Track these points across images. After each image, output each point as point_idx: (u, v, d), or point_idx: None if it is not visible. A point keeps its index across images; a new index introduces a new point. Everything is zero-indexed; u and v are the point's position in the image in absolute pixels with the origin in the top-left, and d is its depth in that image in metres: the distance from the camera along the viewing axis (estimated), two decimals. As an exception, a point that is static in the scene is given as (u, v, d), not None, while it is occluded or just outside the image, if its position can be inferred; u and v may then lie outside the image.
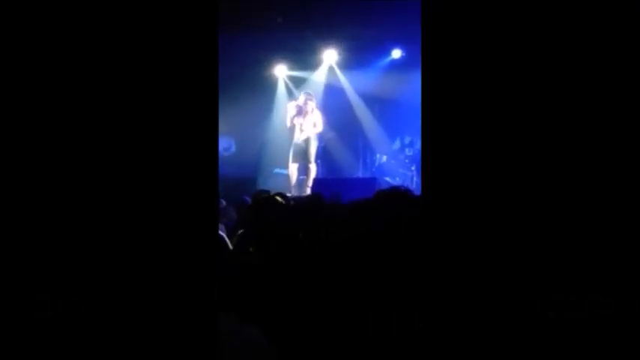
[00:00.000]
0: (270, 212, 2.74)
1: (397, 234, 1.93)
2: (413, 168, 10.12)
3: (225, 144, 10.98)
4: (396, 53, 10.77)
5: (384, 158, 10.73)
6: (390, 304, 1.74)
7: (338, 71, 10.99)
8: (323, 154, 10.67)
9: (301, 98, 9.23)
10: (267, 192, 4.59)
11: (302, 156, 8.97)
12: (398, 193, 2.10)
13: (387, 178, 10.09)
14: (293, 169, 9.26)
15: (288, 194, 4.70)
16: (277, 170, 10.58)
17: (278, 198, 3.16)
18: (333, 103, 11.02)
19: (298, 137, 9.00)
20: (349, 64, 10.87)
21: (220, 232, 3.25)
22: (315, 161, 9.37)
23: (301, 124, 8.95)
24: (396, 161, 10.60)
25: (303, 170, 9.07)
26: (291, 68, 11.18)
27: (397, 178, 10.27)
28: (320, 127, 9.07)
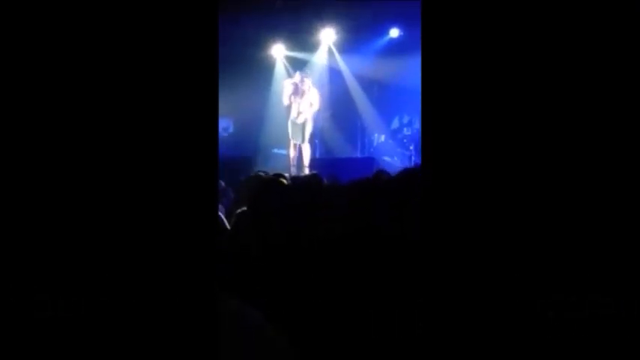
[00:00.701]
0: (271, 196, 2.67)
1: (399, 221, 1.94)
2: (411, 147, 10.10)
3: (224, 124, 10.96)
4: (394, 32, 10.71)
5: (382, 138, 10.71)
6: (390, 298, 1.74)
7: (336, 52, 10.92)
8: (321, 134, 10.65)
9: (297, 76, 9.18)
10: (265, 172, 4.53)
11: (299, 136, 8.94)
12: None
13: (386, 158, 10.05)
14: (292, 149, 9.25)
15: (286, 174, 4.65)
16: (276, 150, 10.58)
17: (281, 179, 3.11)
18: (332, 83, 10.98)
19: (295, 117, 8.94)
20: (347, 43, 10.81)
21: (219, 213, 3.21)
22: (311, 141, 9.29)
23: (299, 104, 8.89)
24: (394, 141, 10.62)
25: (300, 150, 9.05)
26: (288, 49, 11.11)
27: (395, 158, 10.26)
28: (317, 106, 9.08)
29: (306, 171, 8.56)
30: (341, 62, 11.10)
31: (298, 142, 9.08)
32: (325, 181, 4.40)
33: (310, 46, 11.17)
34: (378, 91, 10.98)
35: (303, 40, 11.08)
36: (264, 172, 4.77)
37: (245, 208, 3.43)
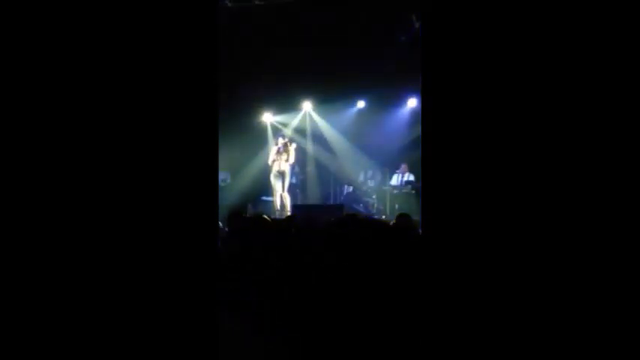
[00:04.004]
0: (255, 228, 2.81)
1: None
2: (374, 196, 10.45)
3: (223, 176, 11.27)
4: (361, 104, 11.14)
5: (351, 188, 11.02)
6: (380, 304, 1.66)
7: (314, 118, 11.53)
8: (302, 185, 11.04)
9: (281, 141, 9.67)
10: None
11: (280, 186, 9.45)
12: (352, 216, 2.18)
13: (353, 205, 10.32)
14: (276, 197, 9.68)
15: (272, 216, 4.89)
16: (264, 198, 10.88)
17: (264, 217, 3.24)
18: (310, 144, 11.50)
19: (277, 171, 9.42)
20: (323, 112, 11.41)
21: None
22: (291, 191, 10.21)
23: (280, 162, 9.47)
24: (360, 191, 10.88)
25: (282, 197, 9.56)
26: (276, 115, 11.51)
27: (361, 205, 10.54)
28: (292, 160, 9.94)
29: (288, 214, 8.81)
30: (318, 127, 11.56)
31: (280, 192, 9.54)
32: (302, 221, 4.58)
33: (293, 114, 11.59)
34: (348, 150, 11.33)
35: (287, 109, 11.50)
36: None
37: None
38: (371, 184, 11.07)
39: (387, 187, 10.52)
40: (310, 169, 11.71)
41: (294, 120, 11.93)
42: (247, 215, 3.27)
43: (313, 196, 11.63)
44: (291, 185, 10.15)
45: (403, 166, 10.40)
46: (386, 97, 11.10)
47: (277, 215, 9.24)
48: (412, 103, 10.87)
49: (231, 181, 11.75)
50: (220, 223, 5.44)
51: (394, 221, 5.22)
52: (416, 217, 6.10)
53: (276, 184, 9.83)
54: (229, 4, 8.21)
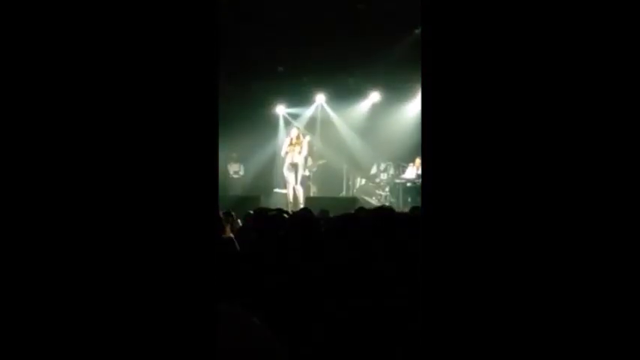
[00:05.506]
0: (270, 221, 2.81)
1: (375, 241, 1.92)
2: (387, 189, 10.36)
3: (236, 168, 11.28)
4: (375, 96, 11.04)
5: (363, 181, 10.94)
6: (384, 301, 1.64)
7: (327, 111, 11.38)
8: (315, 178, 10.94)
9: (294, 131, 9.59)
10: (268, 208, 4.67)
11: (293, 178, 9.40)
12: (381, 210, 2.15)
13: (366, 198, 10.22)
14: (289, 189, 9.64)
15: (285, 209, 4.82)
16: (276, 190, 10.87)
17: (283, 214, 3.23)
18: (324, 136, 11.43)
19: (290, 164, 9.37)
20: (337, 104, 11.23)
21: (231, 235, 3.35)
22: (304, 183, 10.18)
23: (292, 154, 9.39)
24: (373, 184, 10.79)
25: (294, 190, 9.53)
26: (289, 107, 11.54)
27: (373, 198, 10.42)
28: (305, 153, 9.93)
29: (301, 206, 8.74)
30: (331, 119, 11.48)
31: (293, 184, 9.48)
32: (316, 214, 4.52)
33: (306, 106, 11.55)
34: (361, 143, 11.25)
35: (300, 101, 11.48)
36: (266, 208, 4.92)
37: (252, 236, 3.51)
38: (383, 177, 10.96)
39: (400, 180, 10.42)
40: (323, 161, 11.64)
41: (308, 112, 11.84)
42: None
43: (327, 188, 11.55)
44: (303, 178, 10.08)
45: (418, 160, 10.28)
46: (401, 90, 10.98)
47: (290, 208, 9.19)
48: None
49: (244, 173, 11.75)
50: (233, 213, 5.39)
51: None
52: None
53: (289, 177, 9.77)
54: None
